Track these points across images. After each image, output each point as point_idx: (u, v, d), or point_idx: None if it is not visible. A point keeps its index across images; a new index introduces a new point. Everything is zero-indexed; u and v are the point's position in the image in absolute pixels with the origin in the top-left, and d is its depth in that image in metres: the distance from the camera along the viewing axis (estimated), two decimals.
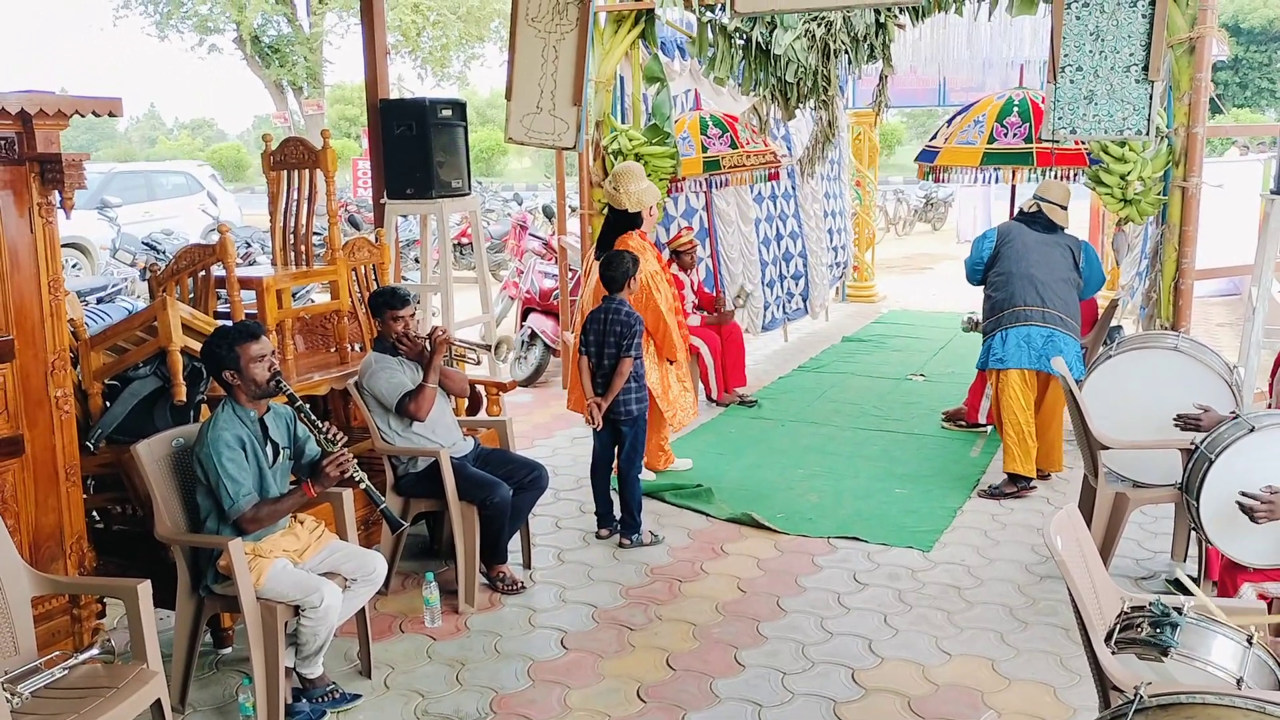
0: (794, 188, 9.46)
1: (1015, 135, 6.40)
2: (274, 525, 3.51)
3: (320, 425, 3.56)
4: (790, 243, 9.48)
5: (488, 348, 5.13)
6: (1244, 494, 2.98)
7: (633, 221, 5.42)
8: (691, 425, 6.88)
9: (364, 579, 3.59)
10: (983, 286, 5.61)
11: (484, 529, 4.30)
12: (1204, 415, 3.84)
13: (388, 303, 4.35)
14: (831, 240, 10.49)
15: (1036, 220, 5.53)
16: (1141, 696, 1.89)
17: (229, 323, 3.71)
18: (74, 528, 3.52)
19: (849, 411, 7.22)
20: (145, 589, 2.98)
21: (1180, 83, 5.30)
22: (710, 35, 6.62)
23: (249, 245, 12.65)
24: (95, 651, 2.94)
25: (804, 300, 9.78)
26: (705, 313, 7.51)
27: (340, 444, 3.53)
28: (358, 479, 3.56)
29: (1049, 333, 5.29)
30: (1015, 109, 6.48)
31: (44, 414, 3.40)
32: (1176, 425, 3.90)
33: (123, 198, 14.30)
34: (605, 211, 5.64)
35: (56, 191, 3.33)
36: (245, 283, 4.46)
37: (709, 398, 7.37)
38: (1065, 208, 5.57)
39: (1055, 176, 6.14)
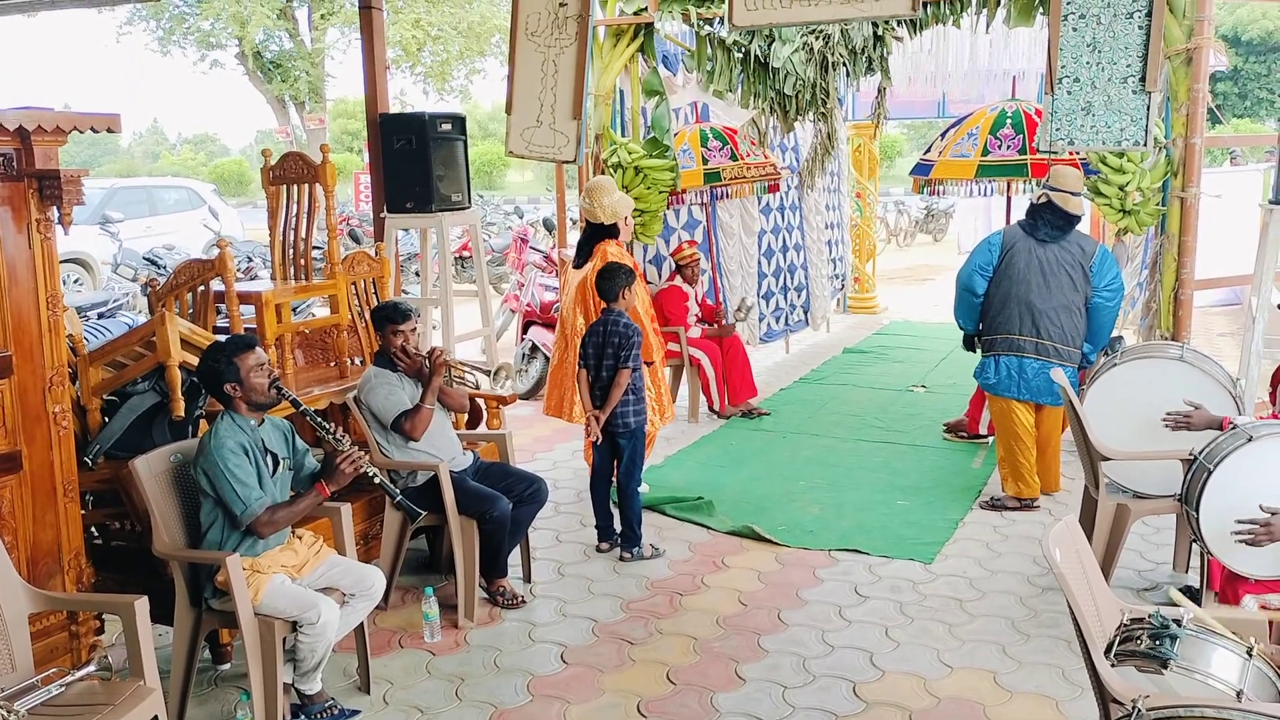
0: (800, 199, 9.47)
1: (1009, 147, 6.41)
2: (277, 538, 3.51)
3: (327, 425, 3.60)
4: (794, 254, 9.50)
5: (487, 372, 5.15)
6: (1240, 521, 2.97)
7: (609, 232, 5.48)
8: (693, 437, 6.90)
9: (362, 594, 3.58)
10: (975, 295, 5.43)
11: (483, 543, 4.29)
12: (1194, 413, 3.83)
13: (389, 317, 4.36)
14: (830, 252, 10.51)
15: (1044, 222, 5.23)
16: (1139, 710, 1.88)
17: (221, 338, 3.71)
18: (72, 544, 3.51)
19: (850, 423, 7.21)
20: (142, 605, 2.97)
21: (1178, 94, 5.31)
22: (709, 49, 6.64)
23: (250, 260, 12.68)
24: (92, 668, 2.93)
25: (805, 312, 9.78)
26: (707, 325, 7.52)
27: (349, 442, 3.57)
28: (371, 474, 3.58)
29: (1040, 364, 5.23)
30: (1009, 120, 6.50)
31: (42, 429, 3.39)
32: (1166, 424, 3.90)
33: (124, 213, 14.33)
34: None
35: (55, 207, 3.33)
36: (244, 297, 4.47)
37: (711, 409, 7.37)
38: (1078, 194, 5.25)
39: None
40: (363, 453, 3.59)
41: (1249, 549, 3.08)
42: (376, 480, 3.65)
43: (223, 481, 3.34)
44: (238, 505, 3.34)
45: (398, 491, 3.85)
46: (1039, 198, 5.33)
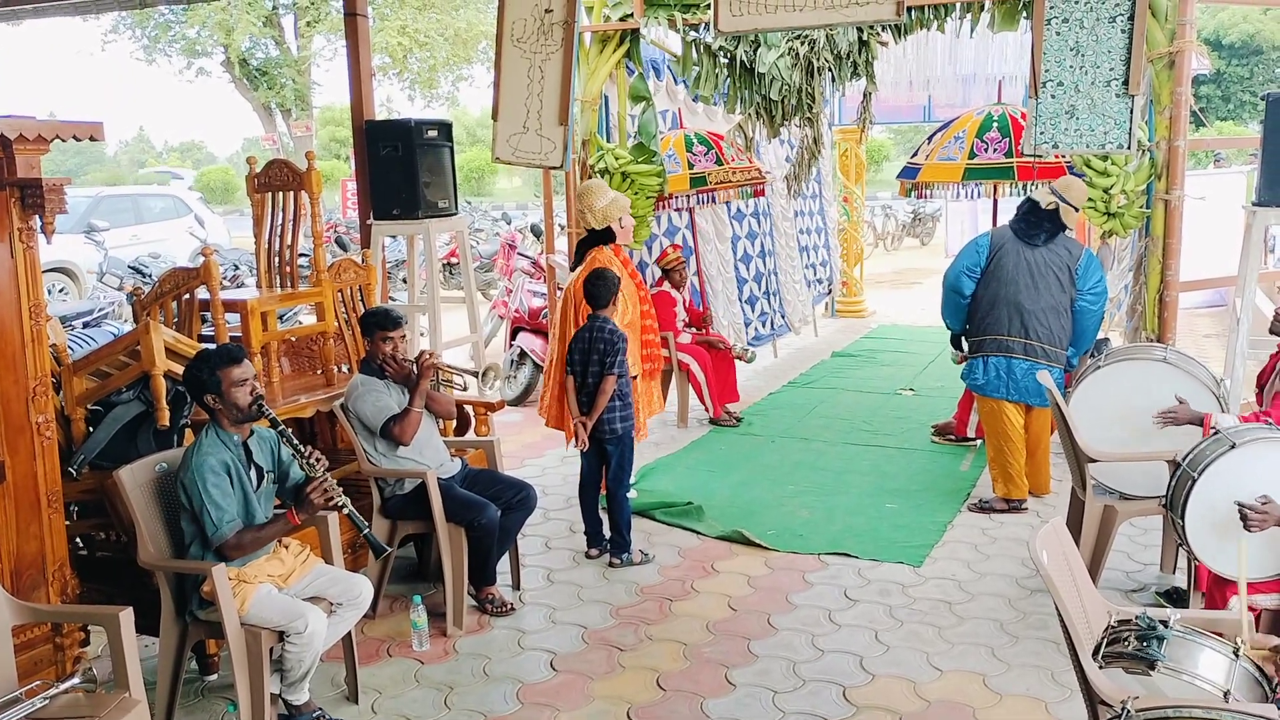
0: (769, 205, 9.49)
1: (995, 150, 6.44)
2: (258, 551, 3.48)
3: (302, 450, 3.51)
4: (769, 260, 9.52)
5: (475, 374, 5.13)
6: (1240, 505, 3.00)
7: (604, 237, 5.44)
8: (682, 442, 6.89)
9: (350, 603, 3.56)
10: (961, 296, 5.48)
11: (472, 550, 4.27)
12: (1179, 408, 4.01)
13: (379, 323, 4.34)
14: (812, 257, 10.52)
15: (1036, 226, 5.31)
16: (1128, 711, 1.89)
17: (211, 346, 3.69)
18: (56, 555, 3.49)
19: (839, 427, 7.21)
20: (127, 616, 2.95)
21: (1161, 97, 5.34)
22: (695, 54, 6.65)
23: (237, 268, 12.63)
24: (77, 680, 2.91)
25: (783, 317, 9.79)
26: (695, 329, 7.52)
27: (322, 469, 3.49)
28: (341, 504, 3.52)
29: (1029, 365, 5.27)
30: (995, 124, 6.54)
31: (25, 440, 3.37)
32: (1157, 423, 4.05)
33: (110, 221, 14.28)
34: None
35: (37, 216, 3.31)
36: (230, 305, 4.45)
37: (707, 413, 7.35)
38: (1079, 210, 5.37)
39: (1036, 189, 6.13)
40: (335, 482, 3.48)
41: (1234, 553, 3.09)
42: (345, 511, 3.53)
43: (199, 500, 3.32)
44: (210, 527, 3.33)
45: (366, 524, 3.74)
46: (1049, 204, 5.37)
